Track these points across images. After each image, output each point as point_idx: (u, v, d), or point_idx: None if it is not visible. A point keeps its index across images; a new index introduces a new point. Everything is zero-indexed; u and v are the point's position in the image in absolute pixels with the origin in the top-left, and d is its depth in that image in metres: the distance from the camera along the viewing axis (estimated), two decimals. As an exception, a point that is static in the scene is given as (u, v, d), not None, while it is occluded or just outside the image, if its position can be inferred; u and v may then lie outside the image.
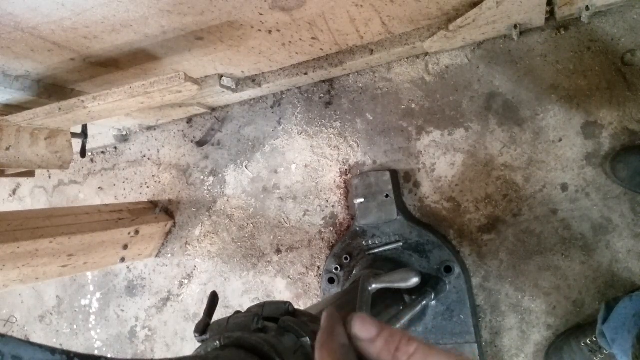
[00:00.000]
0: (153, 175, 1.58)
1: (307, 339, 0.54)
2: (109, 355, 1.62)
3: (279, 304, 0.59)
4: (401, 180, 1.19)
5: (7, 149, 1.10)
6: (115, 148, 1.67)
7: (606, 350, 0.92)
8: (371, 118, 1.24)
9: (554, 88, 1.05)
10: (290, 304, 0.59)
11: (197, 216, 1.49)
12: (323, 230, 1.30)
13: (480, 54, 1.12)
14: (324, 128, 1.30)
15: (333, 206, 1.28)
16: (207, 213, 1.47)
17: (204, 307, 0.61)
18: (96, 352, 1.67)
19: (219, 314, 0.54)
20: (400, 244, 1.10)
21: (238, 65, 1.20)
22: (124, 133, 1.61)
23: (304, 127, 1.33)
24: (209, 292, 0.67)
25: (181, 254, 1.51)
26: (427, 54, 1.17)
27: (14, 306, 1.87)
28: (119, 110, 1.08)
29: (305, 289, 1.32)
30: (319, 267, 1.30)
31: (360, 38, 1.10)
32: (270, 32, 1.01)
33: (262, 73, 1.27)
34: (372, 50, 1.13)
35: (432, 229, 1.14)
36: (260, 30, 1.00)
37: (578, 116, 1.03)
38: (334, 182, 1.28)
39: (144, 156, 1.60)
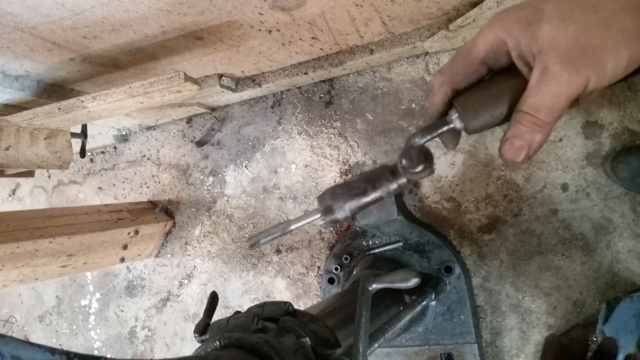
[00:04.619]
0: (153, 175, 1.58)
1: (307, 339, 0.54)
2: (108, 356, 1.62)
3: (279, 304, 0.59)
4: (401, 180, 1.19)
5: (7, 148, 1.10)
6: (115, 148, 1.66)
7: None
8: (371, 118, 1.24)
9: (554, 88, 1.05)
10: (290, 304, 0.59)
11: (197, 216, 1.49)
12: (323, 230, 1.30)
13: (481, 53, 1.12)
14: (324, 128, 1.30)
15: (333, 206, 1.28)
16: (207, 213, 1.47)
17: (203, 307, 0.61)
18: (96, 353, 1.67)
19: (218, 314, 0.54)
20: (401, 244, 1.10)
21: (238, 65, 1.20)
22: (124, 133, 1.61)
23: (304, 127, 1.33)
24: (208, 292, 0.66)
25: (181, 254, 1.51)
26: (427, 53, 1.17)
27: (14, 306, 1.87)
28: (119, 110, 1.08)
29: (305, 289, 1.32)
30: (319, 267, 1.30)
31: (360, 38, 1.09)
32: (270, 31, 1.01)
33: (262, 73, 1.27)
34: (372, 50, 1.13)
35: (432, 229, 1.13)
36: (260, 30, 1.00)
37: (578, 116, 1.03)
38: (334, 182, 1.28)
39: (144, 156, 1.60)
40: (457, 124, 0.41)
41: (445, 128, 0.41)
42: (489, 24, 0.38)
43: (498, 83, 0.40)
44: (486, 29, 0.39)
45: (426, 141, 0.42)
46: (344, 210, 0.45)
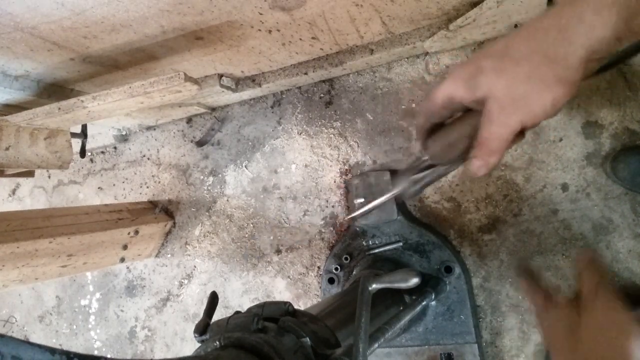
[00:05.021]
0: (153, 175, 1.58)
1: (307, 339, 0.54)
2: (108, 356, 1.62)
3: (279, 304, 0.59)
4: (401, 180, 1.19)
5: (7, 148, 1.10)
6: (115, 148, 1.66)
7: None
8: (371, 118, 1.24)
9: (554, 88, 1.05)
10: (290, 304, 0.59)
11: (197, 216, 1.49)
12: (323, 230, 1.30)
13: (481, 53, 1.11)
14: (324, 128, 1.30)
15: (333, 206, 1.28)
16: (207, 213, 1.47)
17: (203, 307, 0.61)
18: (96, 353, 1.67)
19: (218, 314, 0.54)
20: (401, 244, 1.10)
21: (238, 65, 1.20)
22: (124, 133, 1.61)
23: (304, 127, 1.33)
24: (208, 292, 0.66)
25: (181, 254, 1.51)
26: (427, 53, 1.17)
27: (14, 306, 1.87)
28: (119, 110, 1.08)
29: (305, 289, 1.32)
30: (319, 267, 1.30)
31: (360, 38, 1.09)
32: (270, 31, 1.01)
33: (262, 73, 1.27)
34: (372, 50, 1.13)
35: (432, 229, 1.13)
36: (260, 30, 1.00)
37: (578, 116, 1.03)
38: (334, 182, 1.28)
39: (144, 156, 1.60)
40: (429, 161, 0.58)
41: (423, 165, 0.59)
42: (444, 81, 0.51)
43: (460, 125, 0.53)
44: (441, 86, 0.51)
45: (415, 173, 0.60)
46: (415, 189, 0.61)
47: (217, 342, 0.51)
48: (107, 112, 1.08)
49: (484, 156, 0.49)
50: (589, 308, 0.50)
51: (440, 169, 0.58)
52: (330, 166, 1.29)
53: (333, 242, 1.28)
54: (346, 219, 0.78)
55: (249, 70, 1.24)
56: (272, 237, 1.37)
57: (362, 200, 1.15)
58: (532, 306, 0.58)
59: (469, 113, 0.51)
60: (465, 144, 0.53)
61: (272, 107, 1.38)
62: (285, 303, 0.59)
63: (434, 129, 0.56)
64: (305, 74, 1.22)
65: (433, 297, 1.01)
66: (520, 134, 0.48)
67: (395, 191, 0.63)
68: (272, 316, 0.57)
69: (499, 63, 0.45)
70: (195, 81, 0.95)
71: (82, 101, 1.00)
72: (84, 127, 1.35)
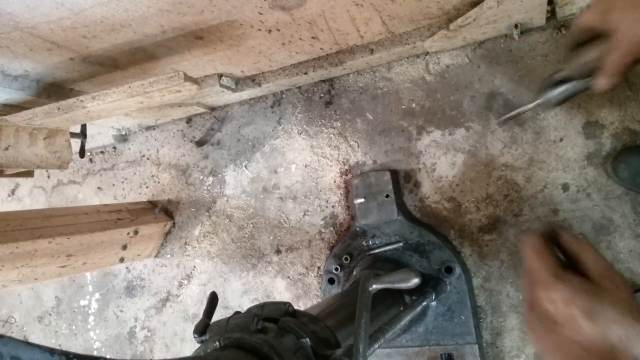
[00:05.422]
0: (152, 175, 1.57)
1: (307, 339, 0.54)
2: (108, 356, 1.62)
3: (279, 304, 0.59)
4: (401, 180, 1.19)
5: (6, 148, 1.09)
6: (115, 148, 1.66)
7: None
8: (371, 118, 1.24)
9: (555, 88, 1.04)
10: (290, 304, 0.59)
11: (197, 216, 1.48)
12: (323, 230, 1.29)
13: (481, 53, 1.11)
14: (324, 128, 1.30)
15: (333, 206, 1.28)
16: (207, 213, 1.47)
17: (203, 307, 0.61)
18: (95, 353, 1.66)
19: (218, 315, 0.54)
20: (401, 244, 1.10)
21: (238, 65, 1.20)
22: (123, 133, 1.61)
23: (304, 126, 1.33)
24: (208, 293, 0.66)
25: (180, 254, 1.51)
26: (427, 53, 1.16)
27: (13, 307, 1.86)
28: (118, 110, 1.08)
29: (305, 290, 1.32)
30: (319, 268, 1.30)
31: (360, 37, 1.09)
32: (270, 31, 1.01)
33: (262, 72, 1.27)
34: (373, 50, 1.13)
35: (432, 229, 1.13)
36: (260, 30, 1.00)
37: (579, 116, 1.03)
38: (334, 182, 1.28)
39: (143, 156, 1.60)
40: (566, 73, 0.73)
41: (559, 77, 0.75)
42: (585, 11, 0.65)
43: (593, 49, 0.66)
44: (583, 15, 0.65)
45: (552, 86, 0.76)
46: (557, 100, 0.76)
47: (217, 343, 0.50)
48: (107, 112, 1.08)
49: (607, 75, 0.64)
50: (614, 284, 0.49)
51: (573, 84, 0.73)
52: (330, 166, 1.29)
53: (333, 242, 1.28)
54: (497, 122, 1.02)
55: (249, 70, 1.24)
56: (272, 237, 1.36)
57: (362, 200, 1.15)
58: (538, 275, 0.51)
59: (601, 39, 0.64)
60: (594, 64, 0.66)
61: (272, 107, 1.38)
62: (285, 303, 0.59)
63: (573, 49, 0.70)
64: (305, 73, 1.22)
65: (433, 297, 1.00)
66: (636, 63, 0.62)
67: (540, 100, 0.77)
68: (272, 316, 0.57)
69: (629, 4, 0.58)
70: (195, 81, 0.95)
71: (82, 101, 1.00)
72: (84, 127, 1.35)
